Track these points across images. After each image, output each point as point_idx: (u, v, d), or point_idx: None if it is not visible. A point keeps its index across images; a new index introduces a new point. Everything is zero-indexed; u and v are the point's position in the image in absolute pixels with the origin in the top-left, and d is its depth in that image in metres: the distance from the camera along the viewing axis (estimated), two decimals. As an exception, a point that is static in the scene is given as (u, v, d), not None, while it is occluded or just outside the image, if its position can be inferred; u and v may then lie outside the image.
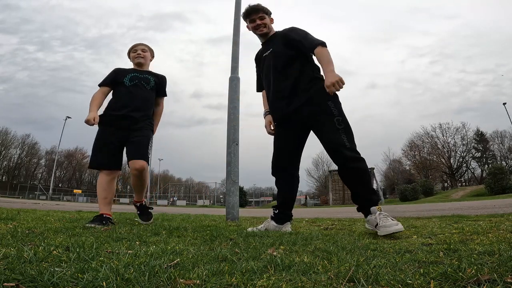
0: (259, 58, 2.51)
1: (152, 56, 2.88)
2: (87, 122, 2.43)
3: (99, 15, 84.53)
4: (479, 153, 42.06)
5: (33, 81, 65.12)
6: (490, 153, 41.63)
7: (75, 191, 45.53)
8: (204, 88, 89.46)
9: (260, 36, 2.46)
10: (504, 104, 29.76)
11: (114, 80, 2.65)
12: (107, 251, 1.17)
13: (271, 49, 2.35)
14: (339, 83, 1.96)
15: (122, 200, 39.89)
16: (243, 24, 2.60)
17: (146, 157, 2.52)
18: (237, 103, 4.29)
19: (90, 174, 57.27)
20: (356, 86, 65.84)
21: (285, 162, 2.31)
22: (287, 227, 2.32)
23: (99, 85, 2.67)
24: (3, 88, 62.67)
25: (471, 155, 42.15)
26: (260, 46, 2.56)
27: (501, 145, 41.30)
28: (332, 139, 2.06)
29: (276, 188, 2.43)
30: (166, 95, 2.88)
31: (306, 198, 42.75)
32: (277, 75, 2.27)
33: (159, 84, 2.77)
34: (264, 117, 2.46)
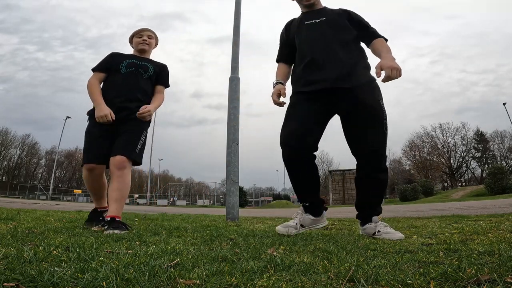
0: (293, 25, 2.18)
1: (156, 44, 2.62)
2: (104, 117, 2.13)
3: (99, 15, 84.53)
4: (479, 153, 42.06)
5: (33, 81, 65.19)
6: (490, 153, 41.63)
7: (75, 191, 45.48)
8: (204, 88, 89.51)
9: (305, 6, 2.16)
10: (504, 104, 29.78)
11: (110, 66, 2.36)
12: (107, 251, 1.17)
13: (323, 19, 2.05)
14: (398, 72, 1.72)
15: (122, 200, 39.72)
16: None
17: (129, 153, 2.16)
18: (237, 103, 4.30)
19: (90, 174, 57.12)
20: (356, 86, 65.51)
21: (309, 134, 1.90)
22: (324, 220, 2.09)
23: (93, 70, 2.35)
24: (3, 88, 62.75)
25: (471, 155, 42.16)
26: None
27: (501, 145, 41.33)
28: (376, 142, 1.86)
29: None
30: (168, 86, 2.54)
31: (306, 198, 42.66)
32: (332, 47, 1.96)
33: (159, 73, 2.47)
34: (274, 86, 2.10)
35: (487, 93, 56.38)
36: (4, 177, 48.16)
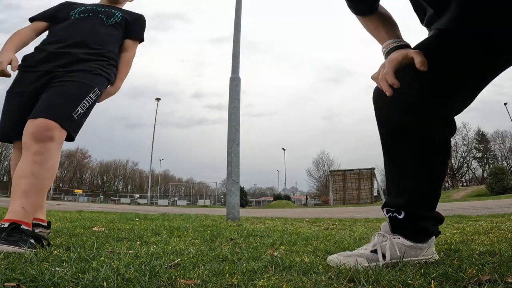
0: None
1: None
2: None
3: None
4: (480, 153, 42.04)
5: (34, 81, 65.23)
6: (491, 153, 41.61)
7: (76, 191, 45.56)
8: (205, 88, 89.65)
9: None
10: (505, 104, 29.81)
11: (56, 14, 1.67)
12: (107, 251, 1.17)
13: None
14: None
15: (122, 200, 39.95)
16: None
17: (58, 116, 1.31)
18: (237, 103, 4.30)
19: (90, 174, 57.37)
20: (357, 86, 65.94)
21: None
22: (432, 250, 1.05)
23: (30, 19, 1.67)
24: (3, 88, 62.84)
25: (472, 155, 42.16)
26: None
27: (502, 145, 41.31)
28: None
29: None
30: (142, 39, 1.83)
31: (306, 198, 42.75)
32: None
33: (130, 22, 1.76)
34: (394, 50, 1.06)
35: (488, 93, 56.24)
36: (4, 177, 48.26)
